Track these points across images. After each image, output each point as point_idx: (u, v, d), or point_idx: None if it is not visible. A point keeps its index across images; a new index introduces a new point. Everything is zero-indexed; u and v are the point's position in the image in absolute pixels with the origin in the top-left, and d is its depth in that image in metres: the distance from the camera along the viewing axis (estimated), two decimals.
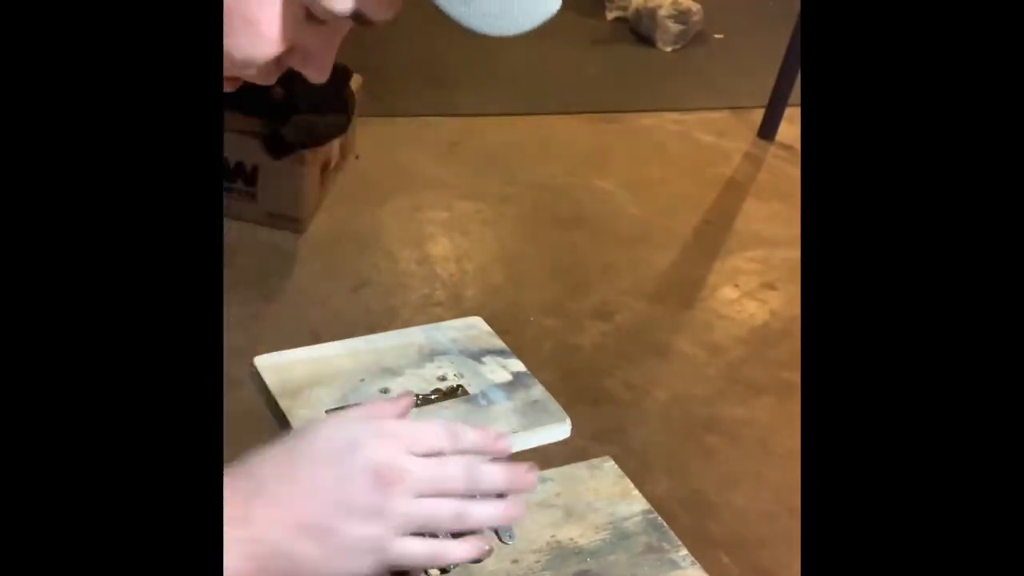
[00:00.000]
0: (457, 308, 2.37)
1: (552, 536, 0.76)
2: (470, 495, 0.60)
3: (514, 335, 2.32)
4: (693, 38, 4.37)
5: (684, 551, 0.76)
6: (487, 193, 2.88)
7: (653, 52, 4.29)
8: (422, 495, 0.59)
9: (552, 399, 0.76)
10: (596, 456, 0.86)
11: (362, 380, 0.74)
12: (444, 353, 0.80)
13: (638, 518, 0.79)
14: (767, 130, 3.57)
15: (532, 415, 0.74)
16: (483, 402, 0.74)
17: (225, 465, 0.53)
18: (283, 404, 0.79)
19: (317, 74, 0.61)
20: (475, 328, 0.84)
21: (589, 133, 3.38)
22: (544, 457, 0.81)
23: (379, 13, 0.57)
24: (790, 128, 3.54)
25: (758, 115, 3.61)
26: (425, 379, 0.76)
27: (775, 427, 2.11)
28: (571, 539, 0.76)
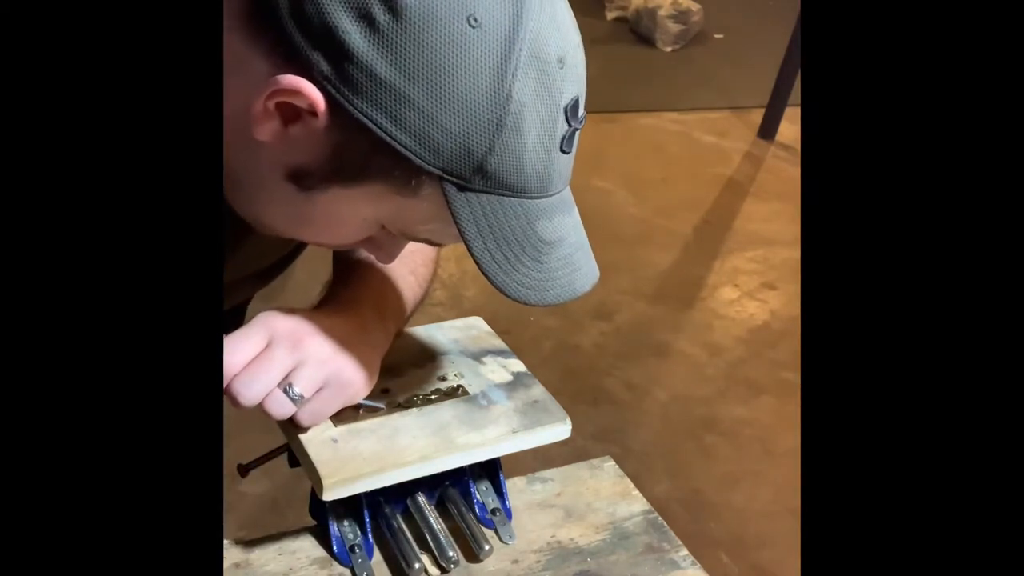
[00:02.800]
0: (457, 308, 2.36)
1: (552, 536, 0.77)
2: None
3: (514, 335, 2.32)
4: (693, 38, 4.37)
5: (684, 551, 0.76)
6: None
7: (653, 52, 4.30)
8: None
9: (552, 399, 0.76)
10: (596, 456, 0.86)
11: None
12: (444, 353, 0.80)
13: (638, 518, 0.79)
14: (767, 130, 3.57)
15: (532, 415, 0.74)
16: (483, 402, 0.74)
17: (224, 465, 0.54)
18: None
19: (385, 260, 0.71)
20: (475, 328, 0.84)
21: (588, 133, 3.33)
22: (544, 457, 0.82)
23: (446, 242, 0.65)
24: (790, 128, 3.54)
25: (758, 115, 3.61)
26: (425, 379, 0.76)
27: (775, 427, 2.11)
28: (571, 539, 0.77)
